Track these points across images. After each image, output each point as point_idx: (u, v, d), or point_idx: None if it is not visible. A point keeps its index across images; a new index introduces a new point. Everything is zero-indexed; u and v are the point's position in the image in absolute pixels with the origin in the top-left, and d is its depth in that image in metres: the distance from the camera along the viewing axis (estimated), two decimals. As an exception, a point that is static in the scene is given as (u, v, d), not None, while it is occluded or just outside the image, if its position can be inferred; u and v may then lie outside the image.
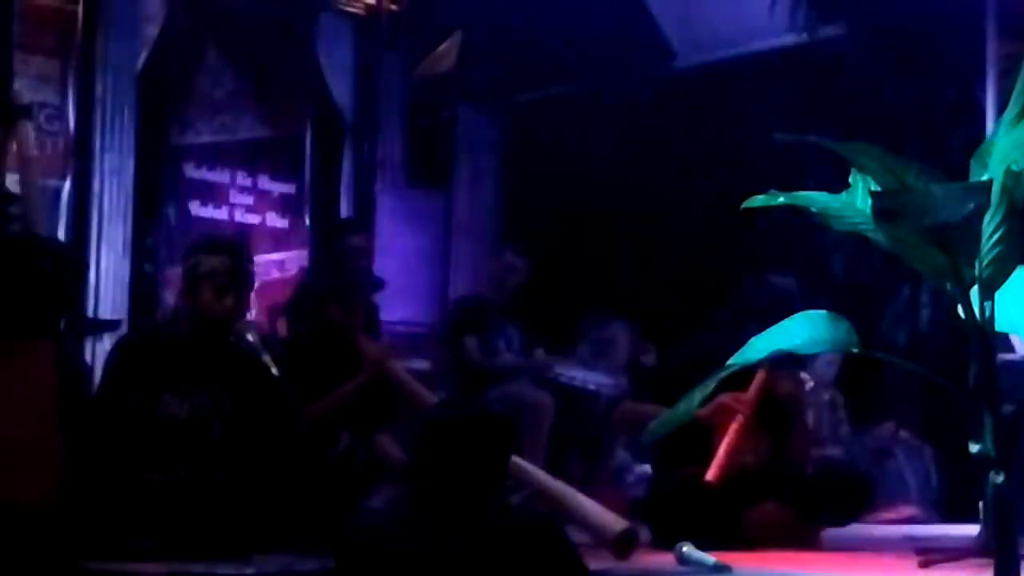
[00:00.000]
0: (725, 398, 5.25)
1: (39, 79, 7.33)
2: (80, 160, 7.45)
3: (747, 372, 5.05)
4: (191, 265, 4.76)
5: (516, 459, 4.88)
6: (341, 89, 8.96)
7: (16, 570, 3.79)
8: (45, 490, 3.95)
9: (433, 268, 9.16)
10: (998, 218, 3.17)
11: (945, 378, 3.24)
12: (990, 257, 3.17)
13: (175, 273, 6.24)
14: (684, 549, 4.48)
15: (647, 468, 6.78)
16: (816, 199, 3.41)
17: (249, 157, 8.56)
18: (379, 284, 7.58)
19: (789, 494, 5.43)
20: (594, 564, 3.73)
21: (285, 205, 8.71)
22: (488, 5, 8.60)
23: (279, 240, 8.62)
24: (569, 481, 5.25)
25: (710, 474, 5.24)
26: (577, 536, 4.47)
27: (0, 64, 7.01)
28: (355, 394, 5.46)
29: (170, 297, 7.50)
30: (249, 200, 8.53)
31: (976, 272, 3.19)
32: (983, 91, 7.38)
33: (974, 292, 3.21)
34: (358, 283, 6.41)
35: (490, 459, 3.32)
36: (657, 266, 8.52)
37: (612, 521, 4.72)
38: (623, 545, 4.65)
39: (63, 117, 7.45)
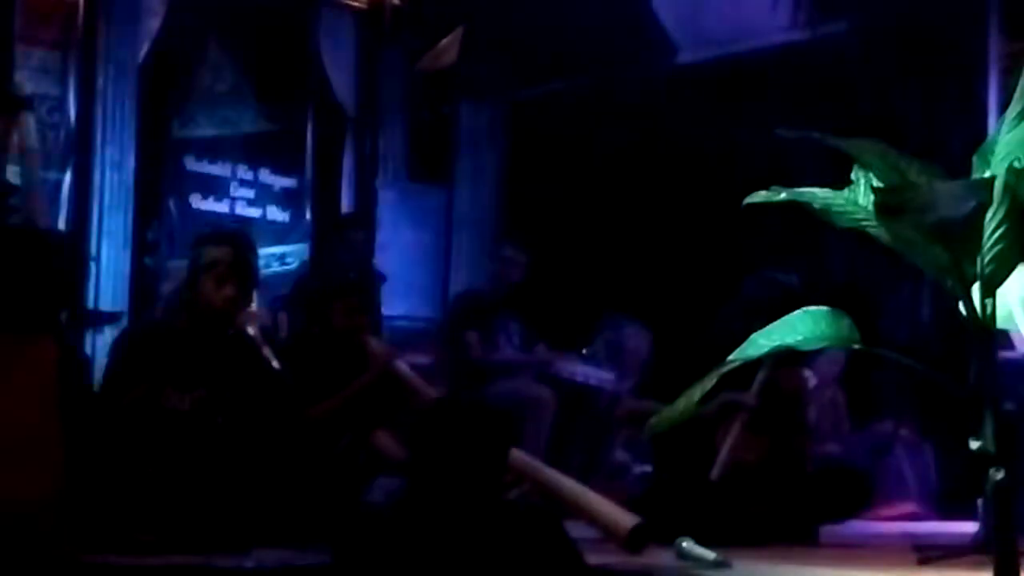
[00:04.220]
0: (727, 395, 5.25)
1: (40, 71, 7.32)
2: (81, 152, 7.45)
3: (749, 369, 5.04)
4: (194, 257, 4.78)
5: (525, 456, 4.88)
6: (342, 83, 8.95)
7: (16, 564, 3.79)
8: (45, 484, 3.95)
9: (434, 263, 9.16)
10: (1000, 215, 3.16)
11: (945, 375, 3.23)
12: (991, 254, 3.17)
13: (176, 266, 6.23)
14: (683, 544, 4.48)
15: (647, 466, 6.78)
16: (818, 195, 3.40)
17: (250, 150, 8.56)
18: (381, 279, 7.59)
19: (789, 491, 5.43)
20: (594, 559, 3.72)
21: (286, 199, 8.71)
22: (490, 0, 8.59)
23: (280, 234, 8.62)
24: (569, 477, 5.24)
25: (713, 471, 5.24)
26: (585, 531, 4.47)
27: (1, 56, 7.00)
28: (361, 392, 5.47)
29: (169, 289, 7.49)
30: (250, 194, 8.53)
31: (977, 269, 3.18)
32: (985, 88, 7.37)
33: (975, 289, 3.20)
34: (363, 281, 6.40)
35: (488, 453, 3.32)
36: (658, 261, 8.51)
37: (624, 516, 4.71)
38: (635, 540, 4.63)
39: (64, 109, 7.44)
